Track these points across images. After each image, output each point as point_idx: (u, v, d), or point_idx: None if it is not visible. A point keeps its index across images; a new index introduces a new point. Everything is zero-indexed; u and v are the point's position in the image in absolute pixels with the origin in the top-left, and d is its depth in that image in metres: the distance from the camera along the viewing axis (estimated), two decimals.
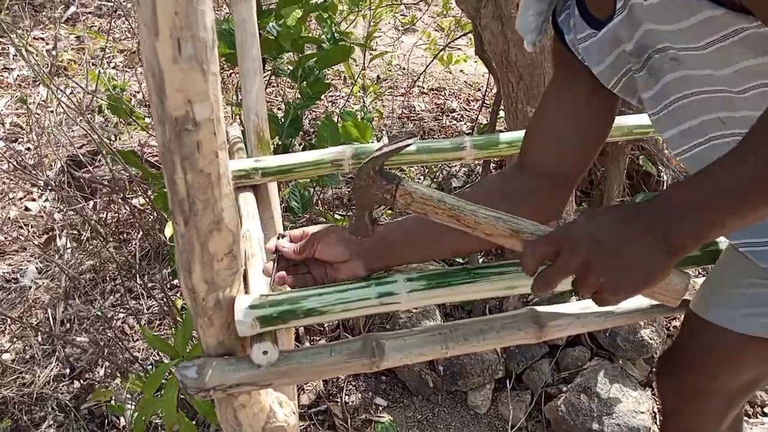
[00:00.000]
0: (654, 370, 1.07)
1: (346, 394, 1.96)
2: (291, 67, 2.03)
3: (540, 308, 0.92)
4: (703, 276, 1.02)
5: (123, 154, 1.72)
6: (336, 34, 1.89)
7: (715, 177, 0.64)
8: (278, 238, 0.96)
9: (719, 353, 0.93)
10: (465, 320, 0.92)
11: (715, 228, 0.65)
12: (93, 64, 3.13)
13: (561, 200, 0.96)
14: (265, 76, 2.24)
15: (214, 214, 0.75)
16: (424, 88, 3.55)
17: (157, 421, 1.84)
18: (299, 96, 1.91)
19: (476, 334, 0.91)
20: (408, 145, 0.83)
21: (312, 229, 0.96)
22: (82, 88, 2.13)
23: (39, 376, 1.99)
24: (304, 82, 1.76)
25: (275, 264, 0.93)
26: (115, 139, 2.43)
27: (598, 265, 0.66)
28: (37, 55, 3.18)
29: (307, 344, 2.07)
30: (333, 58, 1.75)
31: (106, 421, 1.87)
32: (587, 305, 0.92)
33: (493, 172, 2.35)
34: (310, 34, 1.91)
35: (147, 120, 2.00)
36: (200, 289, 0.80)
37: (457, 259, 2.20)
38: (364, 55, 2.63)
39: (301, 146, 2.02)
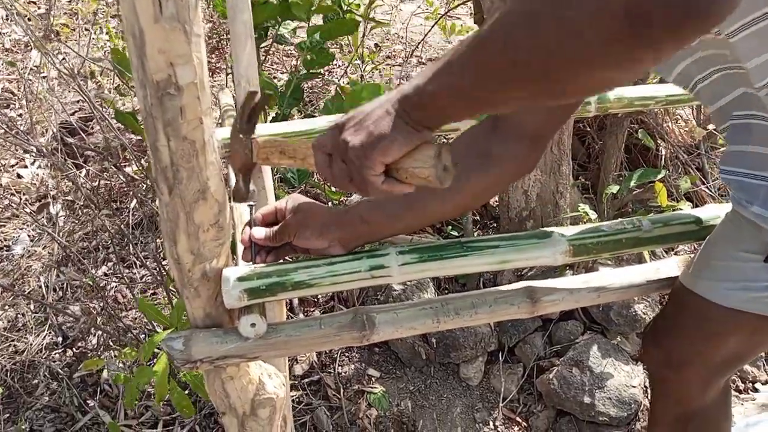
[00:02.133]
0: (641, 339, 1.07)
1: (339, 365, 1.96)
2: (290, 35, 1.99)
3: (534, 283, 0.91)
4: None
5: (122, 116, 1.68)
6: (343, 5, 1.85)
7: (450, 54, 0.65)
8: (249, 226, 0.93)
9: (705, 326, 0.94)
10: (457, 294, 0.91)
11: (431, 94, 0.66)
12: (86, 29, 3.07)
13: (534, 160, 0.94)
14: (265, 46, 2.20)
15: (199, 182, 0.73)
16: (422, 57, 3.49)
17: (150, 389, 1.84)
18: (299, 64, 1.87)
19: (468, 309, 0.89)
20: (259, 102, 0.87)
21: (281, 203, 0.92)
22: (75, 52, 2.08)
23: (31, 344, 1.99)
24: (310, 53, 1.72)
25: (252, 249, 0.91)
26: (109, 106, 2.39)
27: (348, 132, 0.70)
28: (30, 20, 3.11)
29: (301, 315, 2.06)
30: (341, 29, 1.71)
31: (99, 389, 1.87)
32: (584, 280, 0.91)
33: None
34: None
35: None
36: (186, 260, 0.78)
37: (453, 232, 2.19)
38: (365, 25, 2.57)
39: (301, 115, 1.99)
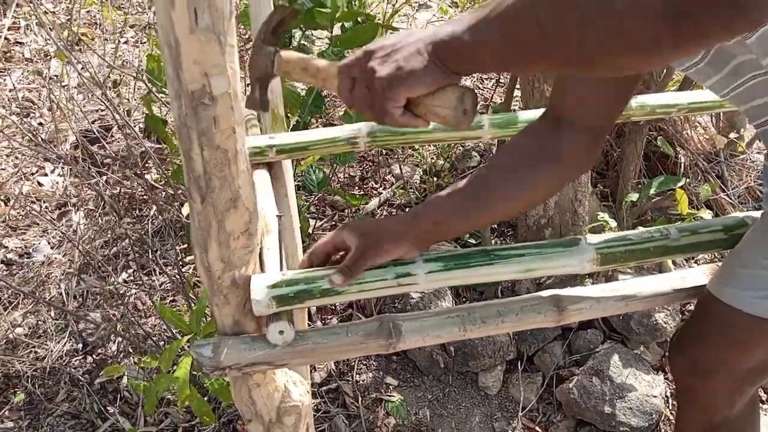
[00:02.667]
0: (669, 348, 1.06)
1: (357, 373, 1.96)
2: (306, 44, 2.00)
3: (561, 291, 0.91)
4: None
5: (152, 119, 1.70)
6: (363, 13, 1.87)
7: (491, 7, 0.66)
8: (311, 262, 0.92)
9: (730, 333, 0.93)
10: (483, 302, 0.91)
11: (467, 45, 0.68)
12: (105, 39, 3.11)
13: (596, 154, 0.96)
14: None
15: (231, 191, 0.73)
16: None
17: (168, 396, 1.85)
18: None
19: (494, 317, 0.89)
20: (288, 14, 0.90)
21: (336, 237, 0.90)
22: (103, 59, 2.11)
23: (52, 351, 2.01)
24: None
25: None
26: (129, 115, 2.42)
27: (377, 62, 0.71)
28: (51, 29, 3.16)
29: (319, 323, 2.07)
30: (360, 36, 1.73)
31: (119, 396, 1.88)
32: (611, 288, 0.91)
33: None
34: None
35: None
36: (216, 267, 0.79)
37: (471, 240, 2.18)
38: (383, 33, 2.59)
39: (321, 123, 2.00)
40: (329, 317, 2.12)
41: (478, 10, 0.68)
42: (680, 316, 1.95)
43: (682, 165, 2.25)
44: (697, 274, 0.97)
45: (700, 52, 0.85)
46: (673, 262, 1.92)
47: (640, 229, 0.92)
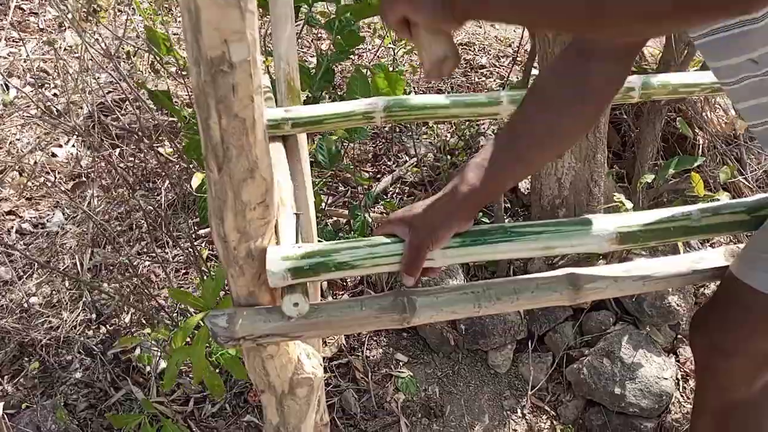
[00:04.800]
0: (689, 326, 1.06)
1: (367, 349, 1.97)
2: (321, 17, 1.98)
3: (577, 270, 0.90)
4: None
5: (156, 95, 1.70)
6: None
7: None
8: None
9: (752, 315, 0.93)
10: (498, 279, 0.90)
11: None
12: (119, 10, 3.09)
13: (625, 77, 0.94)
14: (296, 25, 2.19)
15: (249, 161, 0.73)
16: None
17: (181, 368, 1.86)
18: (330, 46, 1.86)
19: (509, 294, 0.89)
20: None
21: (387, 233, 0.89)
22: (112, 32, 2.09)
23: (66, 321, 2.03)
24: (340, 34, 1.71)
25: None
26: (142, 87, 2.41)
27: None
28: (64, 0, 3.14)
29: (330, 298, 2.07)
30: (370, 10, 1.70)
31: (131, 366, 1.90)
32: (627, 268, 0.90)
33: None
34: None
35: (181, 62, 1.97)
36: (232, 238, 0.79)
37: (483, 219, 2.17)
38: None
39: (331, 98, 1.98)
40: (340, 293, 2.13)
41: None
42: (694, 299, 1.94)
43: (701, 147, 2.22)
44: (716, 255, 0.96)
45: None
46: (687, 245, 1.90)
47: (660, 209, 0.91)
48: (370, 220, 1.92)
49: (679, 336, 1.93)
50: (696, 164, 1.82)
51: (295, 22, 2.12)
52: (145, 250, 2.25)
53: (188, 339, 1.54)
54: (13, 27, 3.14)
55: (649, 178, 1.89)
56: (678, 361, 1.88)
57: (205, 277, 1.85)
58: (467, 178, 0.87)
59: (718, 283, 0.96)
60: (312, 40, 3.18)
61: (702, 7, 0.56)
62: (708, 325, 1.00)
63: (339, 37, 1.76)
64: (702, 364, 1.05)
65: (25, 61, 2.99)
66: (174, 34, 2.93)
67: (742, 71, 0.85)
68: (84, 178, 2.49)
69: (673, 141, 2.25)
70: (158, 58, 1.84)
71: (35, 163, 2.51)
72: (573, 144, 1.82)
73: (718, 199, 1.73)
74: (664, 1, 0.57)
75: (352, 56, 2.63)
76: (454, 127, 2.60)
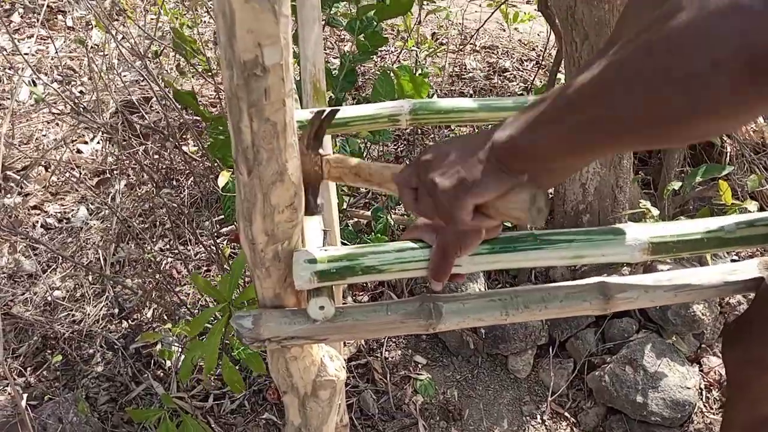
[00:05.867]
0: (722, 339, 1.04)
1: (386, 350, 1.97)
2: (343, 18, 1.98)
3: (607, 279, 0.88)
4: None
5: (181, 95, 1.71)
6: None
7: (547, 103, 0.63)
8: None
9: None
10: (527, 287, 0.89)
11: (529, 145, 0.65)
12: (146, 9, 3.12)
13: None
14: None
15: (278, 164, 0.73)
16: (476, 45, 3.45)
17: (201, 364, 1.88)
18: (353, 48, 1.86)
19: (538, 302, 0.88)
20: (326, 118, 0.92)
21: (415, 238, 0.87)
22: (143, 30, 2.12)
23: (89, 315, 2.05)
24: (362, 35, 1.71)
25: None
26: (169, 86, 2.43)
27: (436, 174, 0.71)
28: None
29: (350, 300, 2.07)
30: (393, 10, 1.69)
31: (152, 361, 1.92)
32: (659, 278, 0.88)
33: None
34: None
35: (208, 63, 1.98)
36: (260, 240, 0.79)
37: (506, 224, 2.16)
38: (420, 9, 2.55)
39: (355, 100, 1.98)
40: (360, 294, 2.13)
41: (529, 108, 0.65)
42: (719, 309, 1.91)
43: (728, 155, 2.19)
44: (750, 267, 0.94)
45: None
46: (715, 256, 1.87)
47: (693, 219, 0.89)
48: (392, 222, 1.92)
49: (702, 345, 1.90)
50: (724, 173, 1.79)
51: (325, 24, 2.13)
52: (167, 246, 2.27)
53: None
54: (42, 25, 3.18)
55: (675, 185, 1.87)
56: (701, 371, 1.86)
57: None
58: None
59: (754, 295, 0.94)
60: (335, 42, 3.18)
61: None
62: (743, 338, 0.98)
63: (362, 38, 1.75)
64: (735, 377, 1.03)
65: (52, 59, 3.03)
66: (200, 34, 2.95)
67: None
68: (109, 175, 2.51)
69: (700, 148, 2.22)
70: (185, 59, 1.85)
71: (60, 158, 2.54)
72: None
73: (746, 208, 1.70)
74: (738, 91, 0.48)
75: (374, 57, 2.62)
76: (476, 130, 2.58)
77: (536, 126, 0.64)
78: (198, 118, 2.41)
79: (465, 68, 3.22)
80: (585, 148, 0.62)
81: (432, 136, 2.62)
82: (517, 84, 3.12)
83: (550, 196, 2.25)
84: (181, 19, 2.59)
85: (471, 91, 3.03)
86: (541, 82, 2.90)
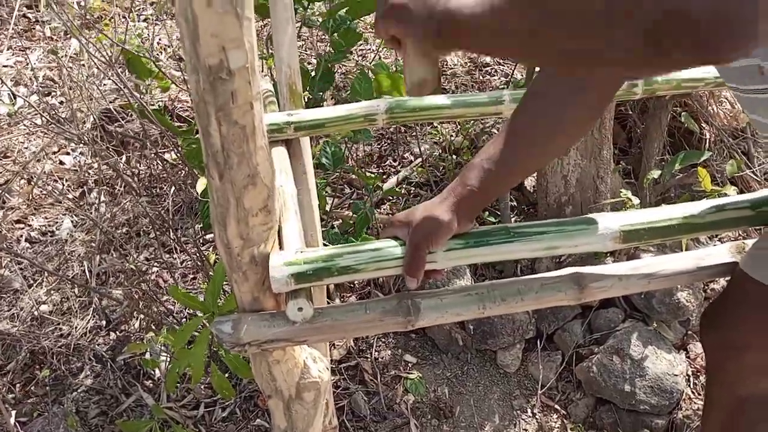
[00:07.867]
0: (699, 323, 1.05)
1: (376, 351, 1.97)
2: (320, 19, 1.98)
3: (581, 269, 0.89)
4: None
5: (143, 113, 1.71)
6: None
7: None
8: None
9: (762, 311, 0.92)
10: (503, 280, 0.90)
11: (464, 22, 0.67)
12: (122, 17, 3.11)
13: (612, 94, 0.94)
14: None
15: (249, 167, 0.73)
16: None
17: (190, 373, 1.87)
18: (330, 48, 1.86)
19: (514, 295, 0.88)
20: None
21: (390, 236, 0.89)
22: (111, 40, 2.10)
23: (76, 328, 2.04)
24: (335, 33, 1.70)
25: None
26: (146, 92, 2.42)
27: None
28: (66, 8, 3.16)
29: (338, 301, 2.07)
30: (365, 5, 1.69)
31: (141, 372, 1.91)
32: (633, 266, 0.89)
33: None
34: None
35: (176, 74, 1.98)
36: (235, 244, 0.79)
37: (490, 218, 2.17)
38: None
39: (333, 101, 1.98)
40: (348, 295, 2.13)
41: None
42: (703, 294, 1.92)
43: (707, 141, 2.21)
44: (721, 251, 0.95)
45: None
46: (697, 241, 1.89)
47: (663, 206, 0.90)
48: (376, 217, 1.91)
49: (689, 332, 1.92)
50: (702, 159, 1.81)
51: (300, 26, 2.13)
52: (152, 255, 2.26)
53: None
54: (19, 36, 3.16)
55: (655, 173, 1.88)
56: (688, 358, 1.87)
57: None
58: (466, 179, 0.87)
59: (729, 279, 0.95)
60: (314, 42, 3.18)
61: (672, 59, 0.54)
62: (718, 321, 0.99)
63: (336, 36, 1.75)
64: (713, 359, 1.04)
65: (31, 70, 3.01)
66: (177, 39, 2.94)
67: (747, 78, 0.84)
68: (92, 185, 2.50)
69: (679, 136, 2.24)
70: (142, 81, 1.86)
71: (42, 171, 2.53)
72: (575, 141, 1.80)
73: (726, 194, 1.72)
74: (639, 51, 0.55)
75: (353, 56, 2.62)
76: (459, 126, 2.59)
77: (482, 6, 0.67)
78: (178, 124, 2.40)
79: (446, 64, 3.22)
80: (500, 42, 0.67)
81: (414, 133, 2.63)
82: (499, 78, 3.13)
83: (533, 189, 2.26)
84: (141, 33, 2.57)
85: (453, 87, 3.03)
86: (521, 75, 2.91)
